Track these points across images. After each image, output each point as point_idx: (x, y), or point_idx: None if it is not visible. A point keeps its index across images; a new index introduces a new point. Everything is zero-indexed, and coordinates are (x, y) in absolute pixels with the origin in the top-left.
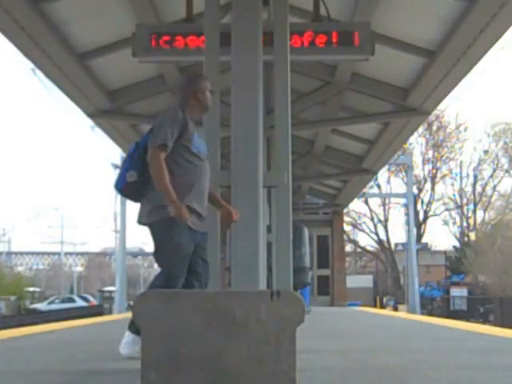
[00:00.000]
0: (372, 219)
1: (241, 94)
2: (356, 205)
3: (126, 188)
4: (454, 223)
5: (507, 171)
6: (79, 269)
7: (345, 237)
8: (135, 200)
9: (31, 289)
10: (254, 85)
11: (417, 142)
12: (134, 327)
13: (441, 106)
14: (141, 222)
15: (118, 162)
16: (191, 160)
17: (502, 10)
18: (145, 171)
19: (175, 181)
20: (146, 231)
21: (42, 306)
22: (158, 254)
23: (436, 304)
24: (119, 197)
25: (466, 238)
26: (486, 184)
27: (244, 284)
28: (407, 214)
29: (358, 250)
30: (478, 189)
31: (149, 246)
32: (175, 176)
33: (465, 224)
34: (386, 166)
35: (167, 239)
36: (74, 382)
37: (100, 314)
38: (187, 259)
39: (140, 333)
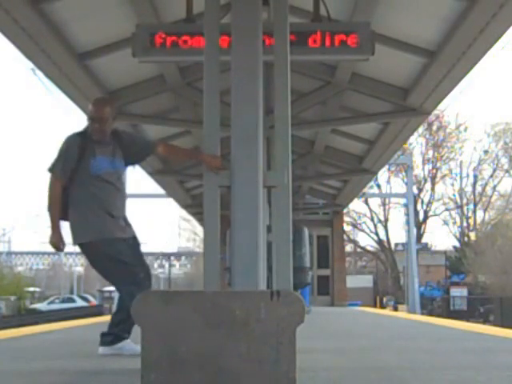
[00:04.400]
0: (372, 219)
1: (241, 94)
2: (356, 205)
3: None
4: (454, 223)
5: (507, 171)
6: (79, 269)
7: (345, 237)
8: None
9: (31, 289)
10: (254, 85)
11: (417, 142)
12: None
13: (441, 106)
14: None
15: None
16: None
17: (502, 10)
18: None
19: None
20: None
21: (42, 305)
22: None
23: (436, 304)
24: None
25: (465, 238)
26: (486, 184)
27: (244, 284)
28: (407, 214)
29: (358, 250)
30: (478, 189)
31: (149, 246)
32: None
33: (465, 224)
34: (386, 166)
35: None
36: (74, 381)
37: (100, 314)
38: None
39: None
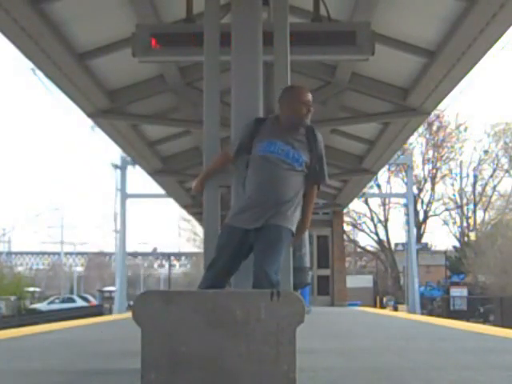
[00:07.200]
0: (372, 219)
1: (241, 94)
2: (356, 205)
3: None
4: (454, 223)
5: (507, 171)
6: (79, 269)
7: (345, 237)
8: None
9: (31, 289)
10: (254, 85)
11: (417, 142)
12: None
13: (441, 106)
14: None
15: (118, 162)
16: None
17: (502, 10)
18: None
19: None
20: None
21: (42, 305)
22: None
23: (436, 304)
24: (119, 197)
25: (465, 238)
26: (486, 184)
27: (244, 284)
28: (407, 214)
29: (358, 250)
30: (478, 189)
31: (149, 246)
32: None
33: (465, 224)
34: (386, 166)
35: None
36: (74, 381)
37: (100, 313)
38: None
39: None
